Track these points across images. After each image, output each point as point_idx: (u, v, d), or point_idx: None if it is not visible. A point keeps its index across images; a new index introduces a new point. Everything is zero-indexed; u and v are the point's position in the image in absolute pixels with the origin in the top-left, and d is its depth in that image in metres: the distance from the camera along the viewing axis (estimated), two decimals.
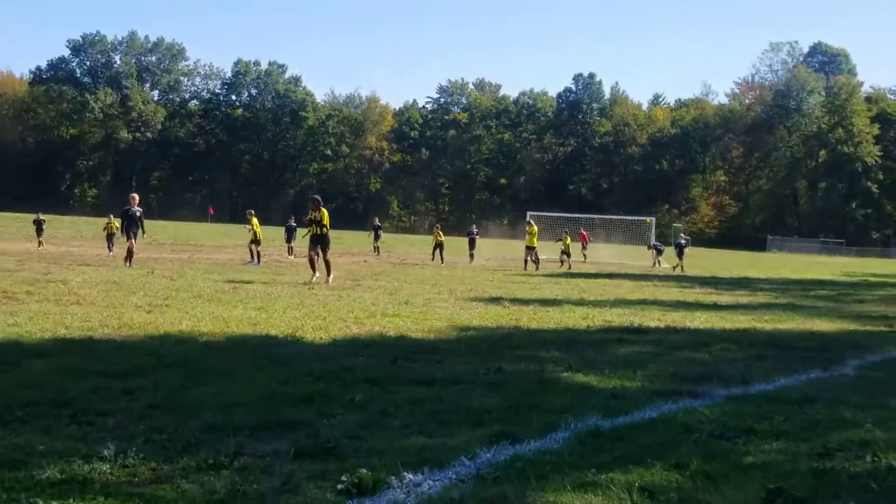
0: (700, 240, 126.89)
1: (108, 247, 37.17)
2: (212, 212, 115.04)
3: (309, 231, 25.40)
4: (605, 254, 58.40)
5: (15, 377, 8.69)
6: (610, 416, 7.77)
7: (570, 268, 42.00)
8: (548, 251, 46.21)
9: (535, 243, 40.62)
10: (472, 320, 15.75)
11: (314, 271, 24.18)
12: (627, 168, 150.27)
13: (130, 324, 13.08)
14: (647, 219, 63.75)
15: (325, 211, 25.10)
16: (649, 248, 53.17)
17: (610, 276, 35.49)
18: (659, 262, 50.06)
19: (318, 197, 26.81)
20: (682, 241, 50.02)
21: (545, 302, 20.46)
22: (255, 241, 34.86)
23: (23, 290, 17.41)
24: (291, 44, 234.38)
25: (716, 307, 21.28)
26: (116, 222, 36.36)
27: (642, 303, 21.56)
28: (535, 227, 41.21)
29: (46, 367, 9.25)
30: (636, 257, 53.10)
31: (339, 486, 5.50)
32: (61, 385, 8.33)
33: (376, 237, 49.80)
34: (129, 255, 28.11)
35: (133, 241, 28.67)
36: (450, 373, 9.87)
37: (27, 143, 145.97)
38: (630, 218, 74.09)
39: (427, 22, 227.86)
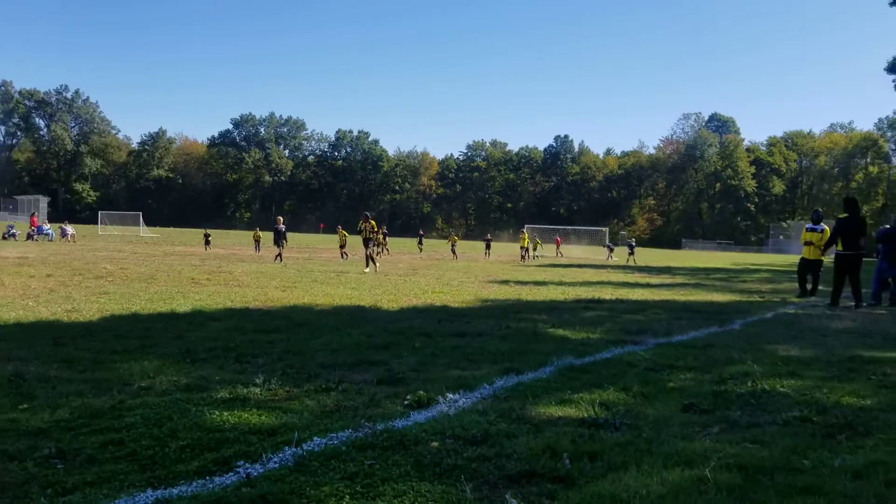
0: (638, 242, 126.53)
1: (256, 248, 37.06)
2: (322, 227, 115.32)
3: (362, 236, 24.39)
4: (576, 252, 58.32)
5: (201, 333, 8.78)
6: (580, 357, 7.76)
7: (536, 259, 42.35)
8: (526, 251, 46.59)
9: (526, 244, 41.32)
10: (489, 295, 15.74)
11: (367, 264, 23.81)
12: (590, 196, 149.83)
13: (272, 299, 13.18)
14: (603, 228, 63.55)
15: (373, 223, 24.53)
16: (605, 246, 53.43)
17: (579, 266, 35.35)
18: (611, 256, 50.01)
19: (367, 213, 25.79)
20: (632, 243, 50.27)
21: (537, 283, 20.41)
22: (343, 245, 35.13)
23: (204, 278, 17.58)
24: (373, 117, 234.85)
25: (648, 286, 21.15)
26: (261, 233, 36.78)
27: (600, 283, 21.45)
28: (527, 235, 42.04)
29: (220, 327, 9.35)
30: (596, 253, 52.97)
31: (406, 402, 5.53)
32: (229, 338, 8.41)
33: (420, 242, 51.21)
34: (279, 256, 28.03)
35: (280, 248, 28.47)
36: (475, 329, 9.88)
37: (206, 185, 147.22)
38: (592, 228, 73.78)
39: (460, 101, 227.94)
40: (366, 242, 24.15)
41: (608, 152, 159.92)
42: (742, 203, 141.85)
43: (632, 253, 47.41)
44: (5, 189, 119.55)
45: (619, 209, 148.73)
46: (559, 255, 51.42)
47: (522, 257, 39.90)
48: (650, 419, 5.26)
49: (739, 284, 23.91)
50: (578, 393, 6.02)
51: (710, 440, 4.76)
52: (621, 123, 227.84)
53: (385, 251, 39.09)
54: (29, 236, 44.97)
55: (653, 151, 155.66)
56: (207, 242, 39.99)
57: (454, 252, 42.72)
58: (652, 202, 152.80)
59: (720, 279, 27.27)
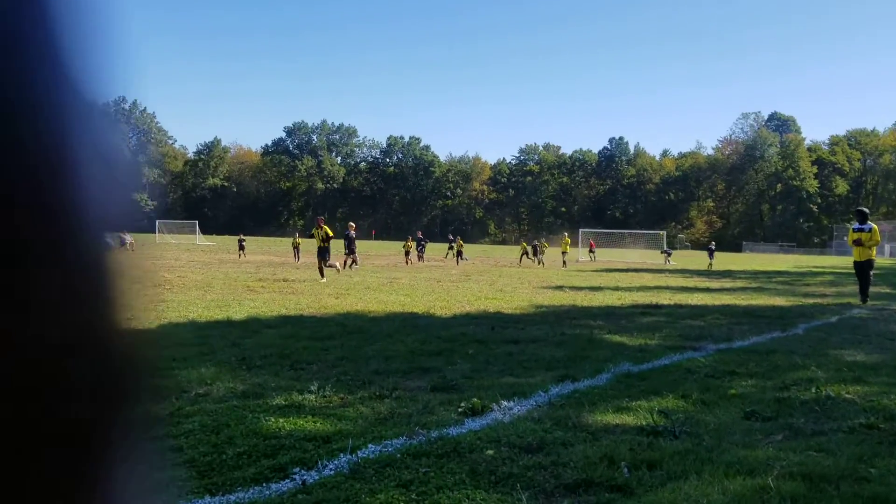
0: (696, 245, 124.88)
1: (295, 256, 34.89)
2: (374, 233, 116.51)
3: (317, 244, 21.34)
4: (632, 256, 57.31)
5: (255, 340, 8.91)
6: (638, 364, 7.68)
7: (542, 264, 38.50)
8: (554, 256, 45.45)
9: (568, 249, 40.60)
10: (543, 301, 15.66)
11: (322, 275, 20.99)
12: (646, 198, 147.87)
13: (325, 306, 13.32)
14: (660, 232, 62.51)
15: (326, 227, 21.39)
16: (662, 252, 51.72)
17: (636, 270, 34.92)
18: (668, 261, 48.68)
19: (320, 216, 23.14)
20: (712, 247, 46.94)
21: (593, 288, 20.24)
22: (408, 252, 35.09)
23: (259, 286, 17.86)
24: (424, 122, 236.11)
25: (708, 290, 20.82)
26: (300, 239, 34.87)
27: (658, 288, 21.17)
28: (569, 239, 41.54)
29: (274, 334, 9.48)
30: (653, 258, 51.89)
31: (460, 409, 5.53)
32: (284, 345, 8.52)
33: (449, 247, 46.64)
34: (353, 262, 27.45)
35: (351, 255, 27.49)
36: (529, 335, 9.84)
37: (260, 192, 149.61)
38: (648, 232, 72.82)
39: (512, 104, 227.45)
40: (321, 252, 20.99)
41: (665, 153, 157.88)
42: (804, 204, 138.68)
43: (711, 256, 44.62)
44: None
45: (677, 212, 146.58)
46: (592, 258, 49.65)
47: (564, 262, 38.84)
48: (710, 427, 5.17)
49: (802, 288, 23.35)
50: (636, 400, 5.95)
51: (772, 448, 4.66)
52: (678, 124, 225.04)
53: (419, 260, 38.20)
54: None
55: (711, 152, 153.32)
56: (241, 248, 39.02)
57: (533, 258, 40.61)
58: (711, 204, 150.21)
59: (782, 282, 26.69)
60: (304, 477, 3.99)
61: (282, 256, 38.55)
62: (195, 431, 4.82)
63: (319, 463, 4.22)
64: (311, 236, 21.92)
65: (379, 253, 51.02)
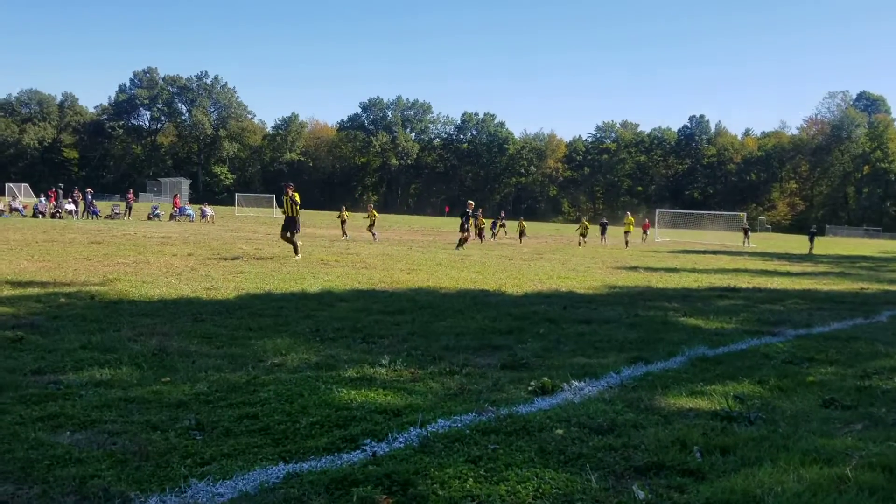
0: (777, 228, 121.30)
1: (343, 231, 33.10)
2: (447, 209, 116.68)
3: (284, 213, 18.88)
4: (710, 238, 55.90)
5: (329, 313, 9.07)
6: (713, 347, 7.56)
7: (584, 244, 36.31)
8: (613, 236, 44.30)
9: (632, 229, 39.34)
10: (617, 281, 15.48)
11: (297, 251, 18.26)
12: (727, 179, 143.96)
13: (397, 281, 13.45)
14: (740, 213, 60.70)
15: (296, 195, 18.71)
16: (742, 229, 49.88)
17: (713, 252, 34.16)
18: (747, 242, 47.12)
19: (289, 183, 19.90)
20: (814, 230, 44.64)
21: (668, 270, 19.91)
22: (481, 229, 34.56)
23: (333, 259, 18.14)
24: (499, 99, 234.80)
25: (788, 274, 20.27)
26: (347, 213, 33.80)
27: (736, 271, 20.68)
28: (632, 219, 40.28)
29: (347, 307, 9.63)
30: (732, 240, 50.40)
31: (529, 388, 5.53)
32: (356, 318, 8.66)
33: (501, 225, 41.48)
34: (463, 241, 26.37)
35: (466, 233, 26.54)
36: (602, 316, 9.75)
37: (335, 168, 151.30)
38: (728, 213, 70.96)
39: (590, 80, 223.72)
40: (290, 224, 18.45)
41: (747, 133, 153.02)
42: (892, 187, 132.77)
43: (811, 240, 42.82)
44: (150, 171, 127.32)
45: (758, 193, 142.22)
46: (644, 239, 46.65)
47: (627, 243, 37.56)
48: (787, 414, 5.05)
49: (888, 274, 22.50)
50: (711, 384, 5.85)
51: (851, 438, 4.53)
52: (761, 103, 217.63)
53: (492, 238, 37.50)
54: (171, 217, 47.88)
55: (796, 132, 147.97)
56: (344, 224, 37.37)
57: (603, 237, 39.90)
58: (794, 186, 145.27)
59: (866, 268, 25.76)
60: (375, 448, 4.06)
61: (350, 231, 39.00)
62: (270, 400, 4.95)
63: (390, 435, 4.29)
64: (281, 205, 19.01)
65: (452, 230, 51.15)
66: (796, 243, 57.89)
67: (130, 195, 48.34)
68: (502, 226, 41.80)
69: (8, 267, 13.06)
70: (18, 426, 4.26)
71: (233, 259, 16.99)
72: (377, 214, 33.09)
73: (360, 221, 36.98)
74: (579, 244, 35.83)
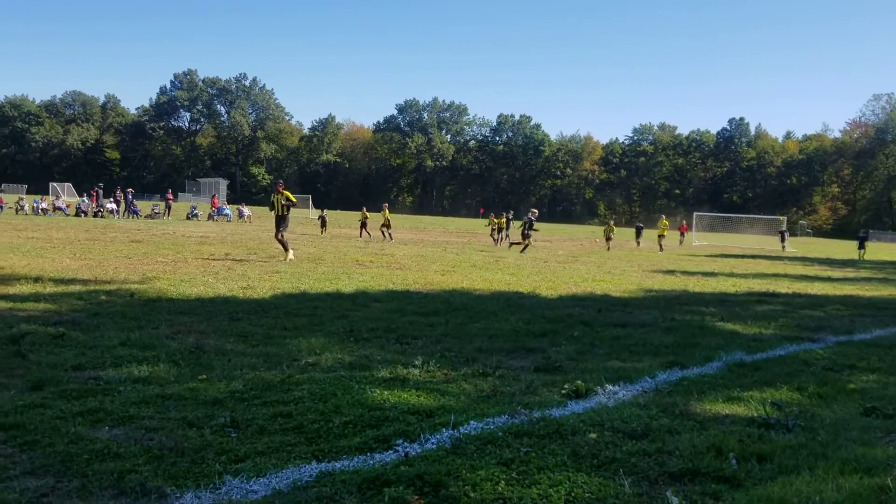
0: (819, 232, 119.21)
1: (361, 233, 32.67)
2: (482, 211, 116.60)
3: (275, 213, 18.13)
4: (750, 242, 55.06)
5: (363, 313, 9.11)
6: (751, 353, 7.45)
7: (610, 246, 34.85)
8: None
9: (666, 233, 37.97)
10: (653, 285, 15.34)
11: (287, 250, 17.38)
12: (766, 182, 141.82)
13: (431, 282, 13.46)
14: (780, 217, 59.67)
15: (287, 193, 18.14)
16: (779, 232, 48.49)
17: (752, 257, 33.68)
18: (784, 245, 46.05)
19: (279, 180, 19.70)
20: (864, 234, 42.33)
21: (706, 274, 19.67)
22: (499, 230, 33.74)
23: (367, 260, 18.22)
24: (535, 101, 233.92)
25: (829, 280, 19.92)
26: (368, 214, 33.77)
27: (775, 275, 20.37)
28: (667, 222, 38.85)
29: (382, 308, 9.66)
30: (772, 244, 49.35)
31: (563, 391, 5.50)
32: (390, 319, 8.68)
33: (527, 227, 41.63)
34: (513, 243, 26.50)
35: (528, 239, 26.17)
36: (637, 319, 9.67)
37: (371, 169, 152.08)
38: (767, 217, 69.89)
39: (626, 84, 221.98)
40: (280, 221, 17.83)
41: (788, 136, 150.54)
42: None
43: (861, 247, 40.27)
44: (189, 172, 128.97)
45: (799, 197, 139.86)
46: (681, 242, 45.94)
47: (661, 247, 36.35)
48: (827, 422, 4.96)
49: None
50: (748, 391, 5.77)
51: (893, 447, 4.45)
52: (803, 105, 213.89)
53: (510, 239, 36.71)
54: (210, 217, 48.46)
55: (838, 135, 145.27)
56: (323, 224, 36.66)
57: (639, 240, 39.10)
58: (836, 190, 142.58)
59: None
60: (407, 449, 4.07)
61: (408, 233, 39.10)
62: (304, 399, 4.98)
63: (422, 436, 4.29)
64: (272, 205, 18.37)
65: (487, 232, 51.12)
66: (837, 248, 56.88)
67: (170, 195, 49.03)
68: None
69: (51, 265, 13.33)
70: (59, 420, 4.34)
71: (268, 258, 17.15)
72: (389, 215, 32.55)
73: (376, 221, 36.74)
74: (608, 248, 34.20)
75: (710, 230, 62.11)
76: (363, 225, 33.13)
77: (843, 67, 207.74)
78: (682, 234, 48.40)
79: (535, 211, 29.06)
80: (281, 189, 18.15)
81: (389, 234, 31.33)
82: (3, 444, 3.95)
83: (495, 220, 34.75)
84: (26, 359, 5.83)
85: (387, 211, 33.09)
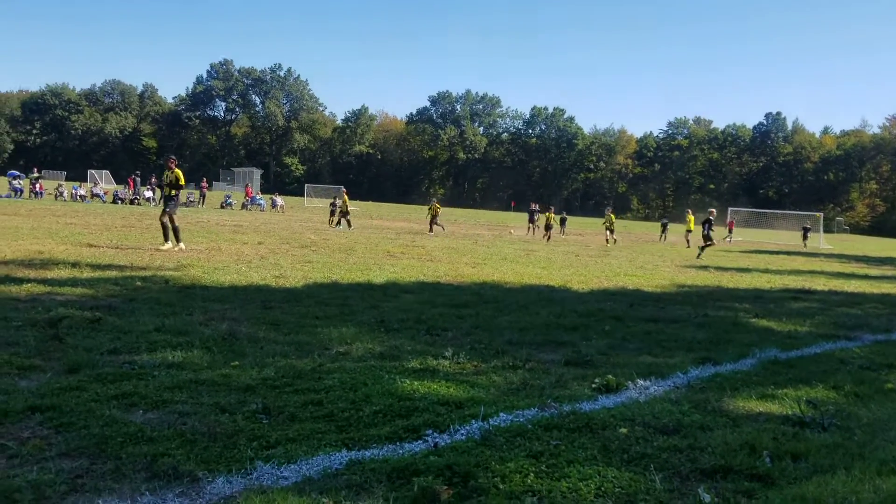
0: (856, 229, 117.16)
1: (431, 227, 31.66)
2: (514, 204, 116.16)
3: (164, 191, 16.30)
4: (786, 238, 54.18)
5: (394, 304, 9.13)
6: (786, 350, 7.35)
7: (614, 243, 31.72)
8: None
9: (693, 227, 34.87)
10: (686, 280, 15.18)
11: (167, 238, 15.15)
12: (803, 178, 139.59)
13: (462, 274, 13.46)
14: (817, 214, 58.55)
15: (178, 171, 15.70)
16: (802, 228, 46.94)
17: (787, 253, 33.21)
18: (805, 243, 44.31)
19: (172, 156, 16.84)
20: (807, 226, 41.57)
21: (740, 270, 19.44)
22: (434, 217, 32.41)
23: (399, 251, 18.27)
24: (569, 94, 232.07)
25: (867, 277, 19.57)
26: (439, 206, 32.59)
27: (811, 272, 20.07)
28: (693, 217, 35.95)
29: (412, 299, 9.68)
30: (810, 241, 47.81)
31: (593, 385, 5.46)
32: (421, 310, 8.69)
33: (531, 219, 37.69)
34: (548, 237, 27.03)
35: (710, 241, 25.26)
36: (670, 315, 9.58)
37: (403, 161, 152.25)
38: (803, 213, 68.72)
39: (663, 76, 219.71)
40: (167, 202, 15.64)
41: (825, 131, 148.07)
42: None
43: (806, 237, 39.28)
44: (224, 161, 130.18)
45: (836, 193, 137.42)
46: (728, 240, 43.60)
47: (688, 243, 33.97)
48: (863, 421, 4.88)
49: None
50: (782, 388, 5.69)
51: None
52: (841, 100, 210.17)
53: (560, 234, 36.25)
54: (243, 206, 48.88)
55: (877, 130, 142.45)
56: (333, 213, 34.72)
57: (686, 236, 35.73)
58: (874, 186, 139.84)
59: None
60: (437, 439, 4.06)
61: (417, 223, 39.15)
62: (335, 388, 5.00)
63: (451, 427, 4.29)
64: (160, 184, 16.06)
65: (517, 224, 50.99)
66: (875, 245, 55.85)
67: (204, 184, 49.53)
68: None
69: (89, 251, 13.53)
70: (94, 403, 4.40)
71: (301, 248, 17.26)
72: (440, 208, 32.28)
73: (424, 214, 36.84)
74: (606, 241, 31.57)
75: (745, 226, 61.12)
76: (433, 219, 32.22)
77: (884, 62, 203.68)
78: (729, 231, 47.40)
79: (714, 210, 27.70)
80: (172, 166, 15.83)
81: (348, 222, 30.42)
82: (39, 425, 4.02)
83: (548, 215, 34.02)
84: (63, 342, 5.91)
85: (346, 197, 32.10)
